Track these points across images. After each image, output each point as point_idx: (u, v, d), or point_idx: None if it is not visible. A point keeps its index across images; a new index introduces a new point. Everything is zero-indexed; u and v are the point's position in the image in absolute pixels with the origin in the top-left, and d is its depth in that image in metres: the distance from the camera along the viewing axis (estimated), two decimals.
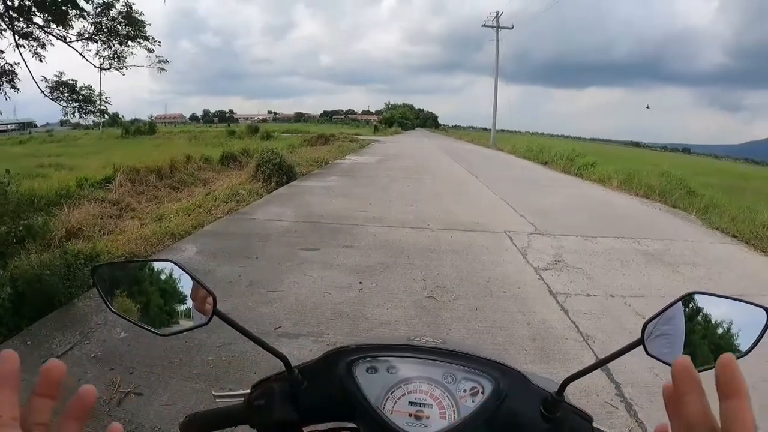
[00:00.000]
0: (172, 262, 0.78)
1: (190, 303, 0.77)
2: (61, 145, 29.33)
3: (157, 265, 0.79)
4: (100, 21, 7.70)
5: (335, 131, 40.68)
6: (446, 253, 6.04)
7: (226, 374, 3.18)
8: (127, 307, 0.78)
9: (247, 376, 3.14)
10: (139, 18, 7.88)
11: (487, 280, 5.13)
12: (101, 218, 7.22)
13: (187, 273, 0.76)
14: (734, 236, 7.59)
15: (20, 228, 5.24)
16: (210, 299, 0.75)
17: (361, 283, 4.91)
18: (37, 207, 7.09)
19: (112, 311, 0.77)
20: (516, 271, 5.47)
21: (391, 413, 0.73)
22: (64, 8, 7.08)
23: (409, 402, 0.73)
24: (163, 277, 0.78)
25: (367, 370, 0.76)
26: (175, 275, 0.78)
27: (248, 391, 0.81)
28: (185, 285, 0.77)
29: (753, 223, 7.84)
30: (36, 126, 72.76)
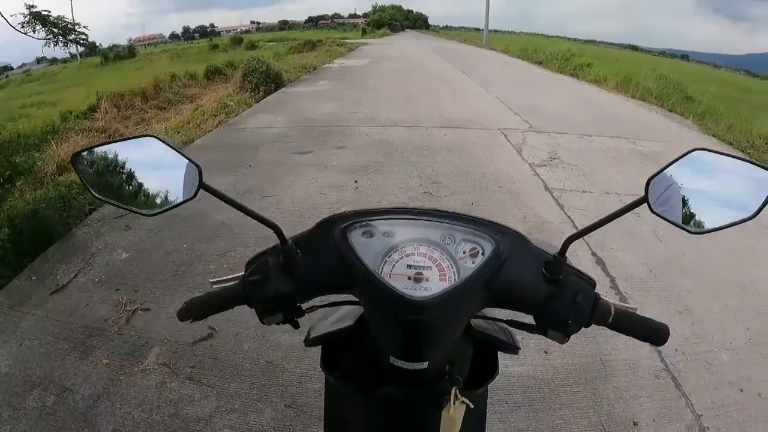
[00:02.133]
0: (154, 137, 0.75)
1: (174, 177, 0.75)
2: (40, 83, 28.39)
3: (138, 143, 0.76)
4: None
5: (322, 37, 39.21)
6: (441, 150, 6.00)
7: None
8: (111, 191, 0.76)
9: None
10: None
11: (482, 175, 5.12)
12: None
13: (170, 146, 0.74)
14: (730, 144, 7.48)
15: (4, 168, 5.15)
16: (196, 171, 0.72)
17: (356, 182, 4.90)
18: (25, 147, 6.94)
19: (96, 197, 0.75)
20: (511, 167, 5.45)
21: (390, 277, 0.71)
22: None
23: (408, 265, 0.72)
24: (145, 154, 0.75)
25: (362, 235, 0.75)
26: (158, 151, 0.75)
27: (243, 273, 0.79)
28: (169, 160, 0.74)
29: (749, 133, 7.75)
30: (12, 68, 69.70)
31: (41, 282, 3.43)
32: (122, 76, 16.94)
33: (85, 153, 0.79)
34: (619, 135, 7.14)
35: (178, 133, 7.43)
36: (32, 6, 7.22)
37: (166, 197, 0.75)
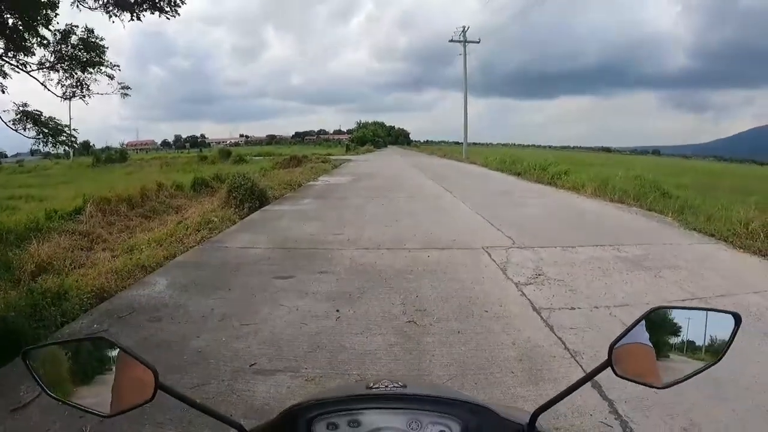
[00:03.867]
0: (107, 340, 0.75)
1: (131, 378, 0.74)
2: (31, 175, 29.70)
3: (91, 343, 0.78)
4: (60, 48, 7.53)
5: (307, 152, 40.91)
6: (424, 274, 5.91)
7: (200, 416, 2.96)
8: (65, 390, 0.75)
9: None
10: (98, 43, 7.73)
11: (468, 299, 5.00)
12: (72, 251, 7.04)
13: (123, 350, 0.74)
14: (712, 235, 7.61)
15: None
16: (151, 373, 0.72)
17: (338, 311, 4.74)
18: (6, 242, 7.00)
19: (51, 396, 0.73)
20: (497, 288, 5.36)
21: None
22: (24, 35, 6.89)
23: None
24: (100, 354, 0.76)
25: (327, 427, 0.72)
26: (113, 351, 0.75)
27: None
28: (124, 360, 0.75)
29: (729, 221, 7.86)
30: (6, 156, 72.15)
31: (2, 396, 3.22)
32: (111, 179, 17.54)
33: (37, 349, 0.80)
34: (602, 243, 7.24)
35: (161, 245, 7.36)
36: (24, 104, 7.38)
37: (123, 398, 0.75)
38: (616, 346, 0.72)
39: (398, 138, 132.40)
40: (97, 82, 8.14)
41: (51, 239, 7.41)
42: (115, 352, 0.74)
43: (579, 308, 4.73)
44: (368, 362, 3.69)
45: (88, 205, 9.62)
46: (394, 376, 0.87)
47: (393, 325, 4.41)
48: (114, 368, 0.74)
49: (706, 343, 0.73)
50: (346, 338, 4.14)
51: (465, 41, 41.11)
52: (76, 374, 0.75)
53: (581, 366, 3.56)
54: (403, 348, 3.94)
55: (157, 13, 7.24)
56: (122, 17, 7.16)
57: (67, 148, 9.13)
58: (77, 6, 7.19)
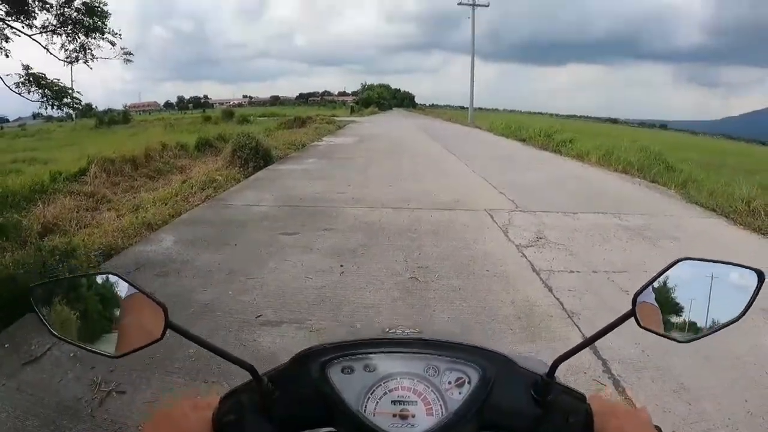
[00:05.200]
0: (115, 275, 0.72)
1: (139, 316, 0.71)
2: (34, 139, 29.09)
3: (99, 279, 0.73)
4: (63, 11, 7.44)
5: (312, 113, 40.44)
6: (427, 233, 5.99)
7: (208, 367, 3.07)
8: (71, 329, 0.72)
9: (230, 368, 3.06)
10: (102, 8, 7.64)
11: (469, 258, 5.08)
12: (77, 211, 7.06)
13: (132, 285, 0.71)
14: (713, 210, 7.58)
15: None
16: (161, 311, 0.68)
17: (342, 266, 4.83)
18: (11, 204, 6.96)
19: (55, 335, 0.70)
20: (498, 249, 5.43)
21: (374, 415, 0.67)
22: None
23: (392, 401, 0.68)
24: (107, 291, 0.72)
25: (342, 371, 0.71)
26: (121, 288, 0.72)
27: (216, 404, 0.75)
28: (132, 297, 0.71)
29: (731, 198, 7.82)
30: (8, 121, 71.66)
31: (15, 351, 3.29)
32: (115, 141, 17.19)
33: (42, 286, 0.75)
34: (603, 210, 7.25)
35: (166, 204, 7.41)
36: (28, 66, 7.35)
37: (131, 338, 0.71)
38: (640, 296, 0.70)
39: (403, 101, 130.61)
40: (101, 47, 8.08)
41: (56, 200, 7.44)
42: (123, 289, 0.71)
43: (578, 272, 4.80)
44: (371, 315, 3.80)
45: (92, 166, 9.57)
46: (409, 324, 0.87)
47: (395, 280, 4.50)
48: (122, 305, 0.72)
49: (728, 299, 0.72)
50: (349, 292, 4.23)
51: (474, 4, 40.26)
52: (82, 312, 0.72)
53: (577, 326, 3.65)
54: (405, 303, 4.04)
55: None
56: None
57: (71, 111, 9.05)
58: None
